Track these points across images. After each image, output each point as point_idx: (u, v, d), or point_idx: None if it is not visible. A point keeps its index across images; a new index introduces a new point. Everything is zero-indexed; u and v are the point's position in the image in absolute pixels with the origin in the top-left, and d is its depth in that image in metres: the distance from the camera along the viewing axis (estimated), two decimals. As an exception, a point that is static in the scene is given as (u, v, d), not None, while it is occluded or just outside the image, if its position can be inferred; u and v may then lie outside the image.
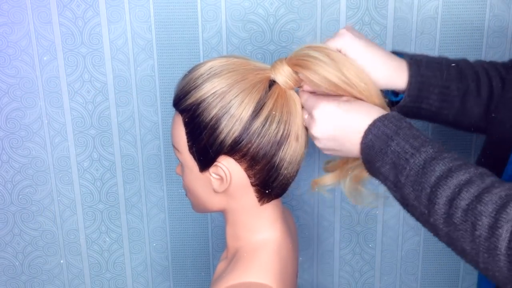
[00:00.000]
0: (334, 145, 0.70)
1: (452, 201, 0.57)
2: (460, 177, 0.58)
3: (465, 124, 0.81)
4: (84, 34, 1.12)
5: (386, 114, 0.66)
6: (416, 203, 0.60)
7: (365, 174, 0.73)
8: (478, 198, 0.55)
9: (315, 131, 0.69)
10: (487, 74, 0.80)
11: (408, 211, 0.64)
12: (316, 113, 0.69)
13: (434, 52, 1.12)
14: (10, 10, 1.11)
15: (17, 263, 1.29)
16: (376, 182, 0.69)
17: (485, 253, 0.54)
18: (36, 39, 1.13)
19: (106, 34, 1.12)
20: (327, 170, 0.80)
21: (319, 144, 0.71)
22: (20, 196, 1.24)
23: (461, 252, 0.58)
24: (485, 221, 0.54)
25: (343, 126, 0.68)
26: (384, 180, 0.65)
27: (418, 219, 0.63)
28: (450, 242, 0.58)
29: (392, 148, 0.63)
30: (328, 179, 0.79)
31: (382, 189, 0.69)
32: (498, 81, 0.79)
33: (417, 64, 0.76)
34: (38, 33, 1.12)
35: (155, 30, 1.12)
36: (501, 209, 0.54)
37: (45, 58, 1.14)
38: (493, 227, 0.53)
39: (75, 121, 1.18)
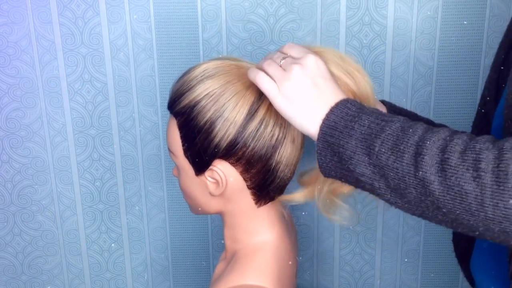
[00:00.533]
0: (299, 94, 0.62)
1: (444, 148, 0.53)
2: (446, 132, 0.55)
3: None
4: (84, 34, 1.12)
5: (347, 98, 0.62)
6: (398, 164, 0.55)
7: (343, 189, 0.70)
8: (472, 140, 0.53)
9: (297, 68, 0.63)
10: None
11: (380, 184, 0.57)
12: (309, 56, 0.64)
13: (434, 52, 1.12)
14: (10, 10, 1.11)
15: (17, 263, 1.29)
16: (355, 198, 0.65)
17: (494, 185, 0.50)
18: (36, 39, 1.13)
19: (106, 34, 1.12)
20: (302, 184, 0.75)
21: (288, 80, 0.63)
22: (20, 196, 1.24)
23: (461, 197, 0.52)
24: (489, 155, 0.50)
25: (317, 88, 0.62)
26: (349, 158, 0.58)
27: (398, 183, 0.56)
28: (446, 191, 0.52)
29: (360, 122, 0.58)
30: (299, 196, 0.74)
31: (359, 207, 0.65)
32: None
33: (390, 103, 0.81)
34: (38, 33, 1.12)
35: (155, 30, 1.12)
36: (500, 143, 0.51)
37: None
38: (499, 156, 0.50)
39: (75, 121, 1.18)
